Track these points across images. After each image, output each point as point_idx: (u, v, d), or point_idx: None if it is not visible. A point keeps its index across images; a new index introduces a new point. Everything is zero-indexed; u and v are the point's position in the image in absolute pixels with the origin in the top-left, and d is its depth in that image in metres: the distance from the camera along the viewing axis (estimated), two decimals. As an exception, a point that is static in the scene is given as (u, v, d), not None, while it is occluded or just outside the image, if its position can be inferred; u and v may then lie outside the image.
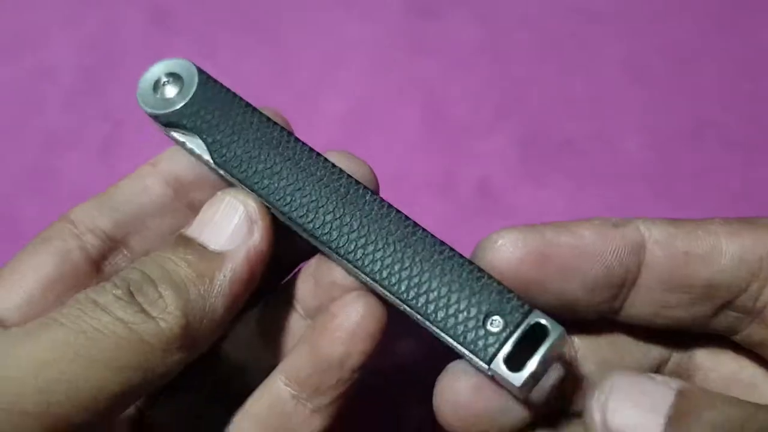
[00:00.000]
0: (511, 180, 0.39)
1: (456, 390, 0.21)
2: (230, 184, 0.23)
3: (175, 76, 0.24)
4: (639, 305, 0.20)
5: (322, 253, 0.23)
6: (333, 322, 0.22)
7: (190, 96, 0.24)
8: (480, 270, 0.20)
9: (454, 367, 0.21)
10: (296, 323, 0.25)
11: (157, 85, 0.24)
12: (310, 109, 0.40)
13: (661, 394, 0.17)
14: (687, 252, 0.19)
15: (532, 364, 0.19)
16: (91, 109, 0.40)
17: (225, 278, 0.21)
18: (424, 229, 0.22)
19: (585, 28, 0.42)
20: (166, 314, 0.20)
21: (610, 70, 0.41)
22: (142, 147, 0.39)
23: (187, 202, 0.25)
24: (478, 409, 0.20)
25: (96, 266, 0.24)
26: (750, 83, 0.40)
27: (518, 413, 0.21)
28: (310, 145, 0.23)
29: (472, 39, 0.41)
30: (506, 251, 0.20)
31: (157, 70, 0.24)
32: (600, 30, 0.42)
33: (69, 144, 0.39)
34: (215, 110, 0.24)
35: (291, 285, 0.25)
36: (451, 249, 0.21)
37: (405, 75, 0.41)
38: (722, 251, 0.19)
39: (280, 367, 0.24)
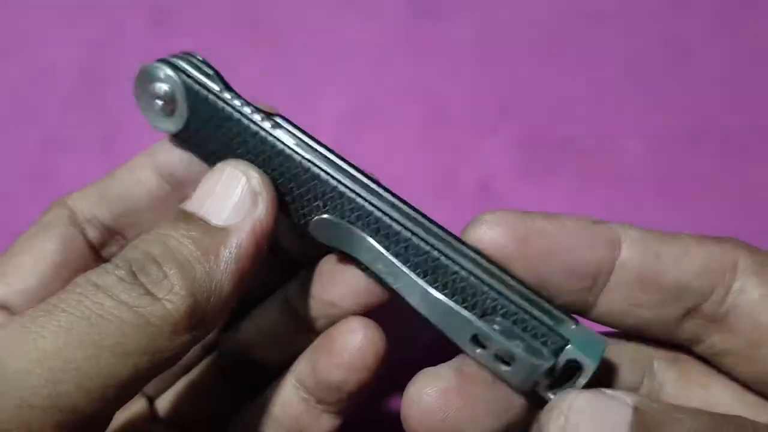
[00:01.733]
0: (511, 180, 0.39)
1: (425, 395, 0.20)
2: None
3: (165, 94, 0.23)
4: (611, 302, 0.21)
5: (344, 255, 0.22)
6: (332, 347, 0.22)
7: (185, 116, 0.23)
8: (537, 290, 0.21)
9: (424, 373, 0.21)
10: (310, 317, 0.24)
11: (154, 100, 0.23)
12: (310, 109, 0.40)
13: (617, 411, 0.17)
14: (658, 253, 0.20)
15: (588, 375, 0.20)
16: (91, 109, 0.40)
17: (231, 254, 0.20)
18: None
19: (585, 28, 0.42)
20: (172, 295, 0.19)
21: (610, 70, 0.41)
22: (142, 147, 0.39)
23: (183, 197, 0.23)
24: (445, 416, 0.20)
25: (97, 254, 0.24)
26: (750, 83, 0.40)
27: (486, 424, 0.20)
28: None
29: (472, 39, 0.41)
30: (492, 230, 0.21)
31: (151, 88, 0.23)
32: (600, 30, 0.42)
33: (69, 144, 0.39)
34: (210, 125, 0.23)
35: (306, 280, 0.24)
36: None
37: (405, 75, 0.41)
38: (691, 255, 0.20)
39: (293, 368, 0.24)
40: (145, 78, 0.23)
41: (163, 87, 0.23)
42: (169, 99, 0.23)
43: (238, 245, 0.20)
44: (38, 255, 0.22)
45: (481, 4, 0.42)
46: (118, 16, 0.42)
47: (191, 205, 0.21)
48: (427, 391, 0.20)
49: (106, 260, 0.23)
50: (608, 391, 0.18)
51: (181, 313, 0.19)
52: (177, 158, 0.24)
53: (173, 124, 0.23)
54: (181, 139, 0.23)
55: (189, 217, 0.21)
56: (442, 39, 0.41)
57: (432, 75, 0.41)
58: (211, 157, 0.23)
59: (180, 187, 0.24)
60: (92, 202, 0.24)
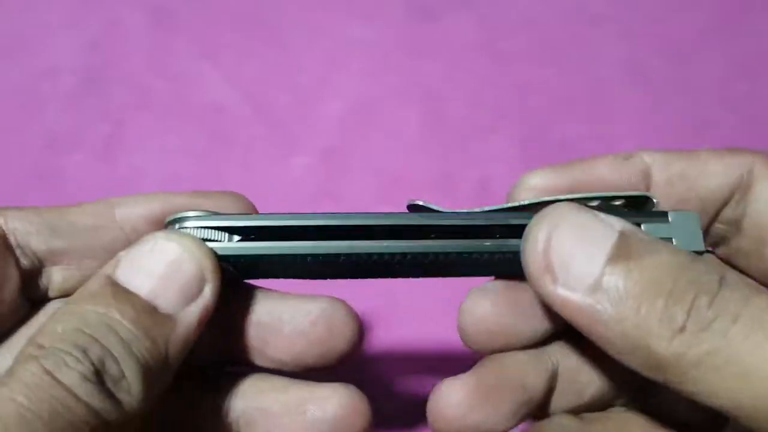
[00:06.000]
0: (511, 180, 0.39)
1: (478, 307, 0.22)
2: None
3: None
4: None
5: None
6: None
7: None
8: None
9: (474, 290, 0.22)
10: None
11: None
12: (311, 110, 0.40)
13: (604, 232, 0.18)
14: (682, 173, 0.22)
15: None
16: (92, 109, 0.40)
17: (177, 346, 0.18)
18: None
19: (585, 29, 0.42)
20: (130, 397, 0.17)
21: (609, 70, 0.41)
22: (143, 146, 0.39)
23: None
24: (499, 323, 0.22)
25: (23, 280, 0.22)
26: (750, 83, 0.40)
27: (536, 326, 0.22)
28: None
29: (471, 40, 0.41)
30: (536, 191, 0.23)
31: None
32: (600, 31, 0.42)
33: (71, 144, 0.39)
34: None
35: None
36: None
37: (405, 76, 0.41)
38: (709, 171, 0.22)
39: None
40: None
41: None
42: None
43: (186, 337, 0.19)
44: None
45: (480, 4, 0.42)
46: (118, 16, 0.42)
47: (127, 278, 0.19)
48: (482, 304, 0.22)
49: (26, 303, 0.22)
50: (601, 214, 0.19)
51: (134, 413, 0.17)
52: (142, 215, 0.22)
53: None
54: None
55: (133, 299, 0.19)
56: (441, 39, 0.41)
57: (432, 75, 0.41)
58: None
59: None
60: (31, 230, 0.21)
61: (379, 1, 0.42)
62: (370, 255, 0.20)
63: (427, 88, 0.40)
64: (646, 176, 0.23)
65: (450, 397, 0.21)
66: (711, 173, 0.22)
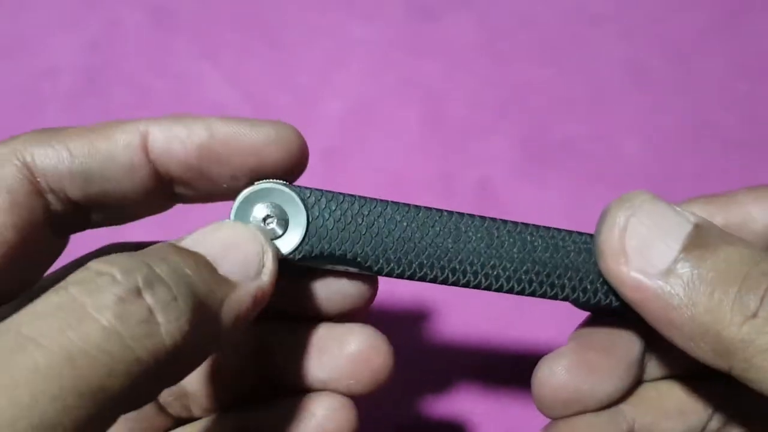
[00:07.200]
0: (511, 180, 0.39)
1: (553, 376, 0.22)
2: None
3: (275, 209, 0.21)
4: None
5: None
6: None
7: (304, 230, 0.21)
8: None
9: (547, 357, 0.22)
10: None
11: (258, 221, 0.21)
12: (310, 110, 0.40)
13: (679, 223, 0.19)
14: (725, 225, 0.22)
15: None
16: (92, 109, 0.40)
17: (231, 309, 0.17)
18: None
19: (585, 29, 0.42)
20: (174, 324, 0.15)
21: (610, 70, 0.41)
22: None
23: (171, 194, 0.21)
24: (575, 390, 0.22)
25: (51, 229, 0.20)
26: (749, 84, 0.41)
27: (612, 387, 0.22)
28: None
29: (472, 40, 0.41)
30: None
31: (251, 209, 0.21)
32: (600, 31, 0.42)
33: (70, 144, 0.39)
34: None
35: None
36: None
37: (405, 76, 0.41)
38: (752, 218, 0.22)
39: None
40: (248, 202, 0.21)
41: (270, 205, 0.21)
42: (281, 214, 0.21)
43: (240, 302, 0.18)
44: None
45: (480, 4, 0.42)
46: (118, 16, 0.42)
47: (191, 245, 0.18)
48: (556, 369, 0.22)
49: (62, 239, 0.20)
50: (677, 207, 0.20)
51: (175, 347, 0.15)
52: (179, 150, 0.20)
53: (285, 245, 0.21)
54: (289, 259, 0.21)
55: (194, 254, 0.18)
56: (441, 39, 0.41)
57: (432, 76, 0.41)
58: (338, 259, 0.21)
59: (171, 185, 0.21)
60: (62, 171, 0.19)
61: (379, 1, 0.42)
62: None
63: (427, 88, 0.40)
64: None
65: None
66: (755, 221, 0.22)
